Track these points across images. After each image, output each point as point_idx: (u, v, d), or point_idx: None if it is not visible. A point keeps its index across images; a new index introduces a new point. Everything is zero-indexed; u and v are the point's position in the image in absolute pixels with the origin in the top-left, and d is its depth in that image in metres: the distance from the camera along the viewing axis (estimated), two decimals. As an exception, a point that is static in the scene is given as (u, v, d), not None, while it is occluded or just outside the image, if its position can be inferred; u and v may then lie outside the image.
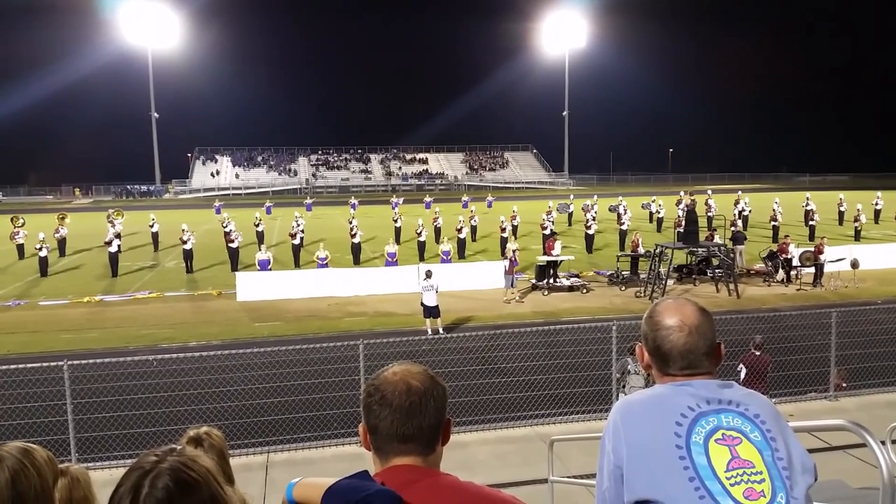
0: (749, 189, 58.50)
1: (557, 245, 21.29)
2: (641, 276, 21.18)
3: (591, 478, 2.34)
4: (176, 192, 77.56)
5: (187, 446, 1.98)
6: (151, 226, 31.66)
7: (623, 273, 21.51)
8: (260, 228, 30.34)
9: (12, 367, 9.04)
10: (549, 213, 30.72)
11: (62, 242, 29.62)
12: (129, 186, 79.19)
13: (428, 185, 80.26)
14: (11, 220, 30.57)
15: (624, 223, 29.95)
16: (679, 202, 36.07)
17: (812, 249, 21.30)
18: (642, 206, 40.20)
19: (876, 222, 35.86)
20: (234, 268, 24.09)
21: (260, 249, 22.96)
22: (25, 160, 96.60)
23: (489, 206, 46.56)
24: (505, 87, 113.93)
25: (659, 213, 36.31)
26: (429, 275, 15.98)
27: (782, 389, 10.14)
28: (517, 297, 19.60)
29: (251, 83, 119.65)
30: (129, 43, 78.28)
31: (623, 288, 20.69)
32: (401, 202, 43.17)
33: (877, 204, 37.24)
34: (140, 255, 29.48)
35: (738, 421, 1.71)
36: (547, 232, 27.38)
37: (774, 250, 22.25)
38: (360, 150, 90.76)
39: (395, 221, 32.01)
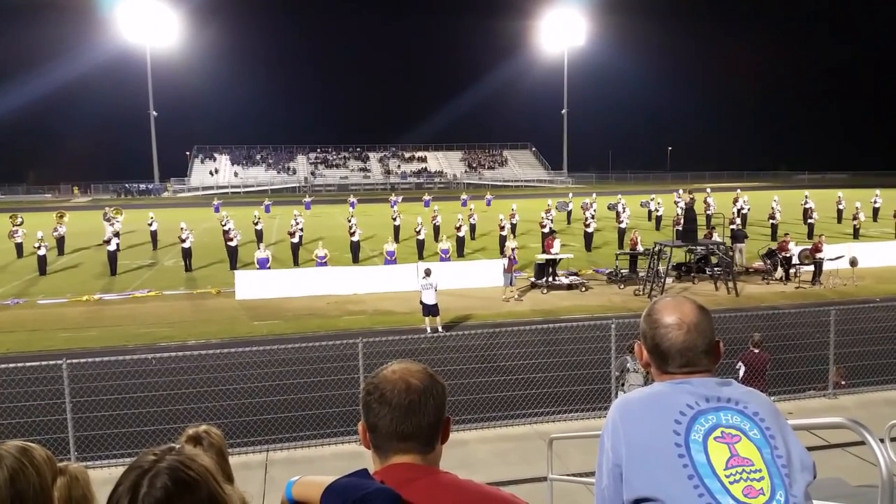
0: (748, 187, 58.52)
1: (556, 243, 21.29)
2: (640, 274, 21.19)
3: (591, 476, 2.34)
4: (175, 190, 77.53)
5: (186, 445, 1.98)
6: (150, 224, 31.64)
7: (622, 271, 21.52)
8: (259, 227, 30.34)
9: (11, 365, 9.05)
10: (547, 211, 30.73)
11: (61, 241, 29.60)
12: (127, 185, 79.20)
13: (427, 183, 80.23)
14: (10, 218, 30.57)
15: (623, 221, 29.96)
16: (677, 199, 36.08)
17: (811, 247, 21.32)
18: (641, 205, 40.21)
19: (874, 220, 35.89)
20: (233, 266, 24.08)
21: (259, 248, 22.94)
22: (24, 158, 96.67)
23: (488, 204, 46.54)
24: (504, 86, 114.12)
25: (658, 211, 36.32)
26: (428, 273, 15.98)
27: (781, 387, 10.14)
28: (516, 296, 19.60)
29: (250, 81, 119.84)
30: (128, 41, 78.25)
31: (622, 286, 20.69)
32: (400, 200, 43.15)
33: (875, 202, 37.26)
34: (139, 254, 29.47)
35: (738, 419, 1.71)
36: (546, 230, 27.39)
37: (773, 248, 22.27)
38: (358, 149, 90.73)
39: (394, 220, 32.00)
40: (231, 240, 25.02)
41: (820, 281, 20.74)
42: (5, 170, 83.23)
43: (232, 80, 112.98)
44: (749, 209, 36.19)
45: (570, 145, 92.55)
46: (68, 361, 8.35)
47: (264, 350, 10.30)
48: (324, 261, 22.29)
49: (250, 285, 20.21)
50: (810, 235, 28.50)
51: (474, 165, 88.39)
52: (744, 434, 1.69)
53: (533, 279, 21.03)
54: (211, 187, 74.65)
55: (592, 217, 29.84)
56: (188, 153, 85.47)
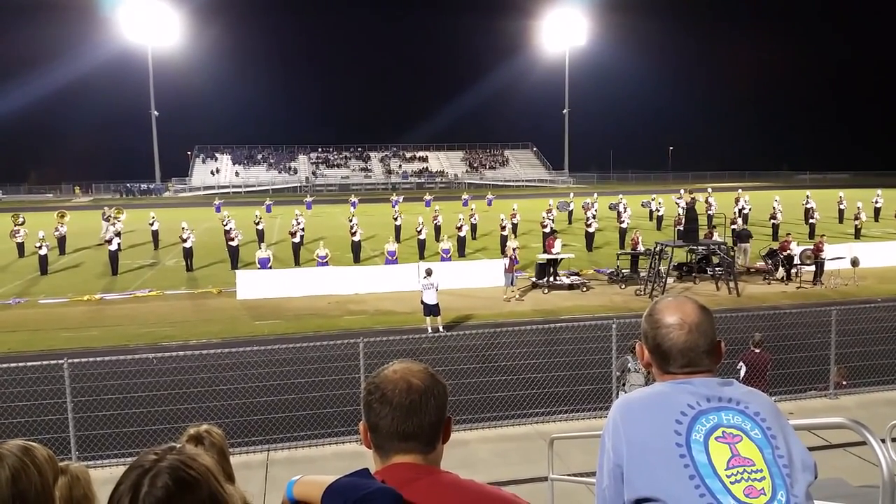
0: (749, 187, 58.48)
1: (557, 243, 21.29)
2: (641, 274, 21.18)
3: (592, 476, 2.34)
4: (176, 190, 77.57)
5: (187, 444, 1.98)
6: (151, 224, 31.65)
7: (623, 271, 21.51)
8: (260, 227, 30.35)
9: (12, 365, 9.07)
10: (549, 211, 30.71)
11: (62, 240, 29.62)
12: (129, 184, 79.20)
13: (428, 183, 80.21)
14: (12, 218, 30.60)
15: (624, 221, 29.95)
16: (679, 199, 36.05)
17: (812, 247, 21.31)
18: (642, 205, 40.19)
19: (876, 220, 35.87)
20: (234, 266, 24.10)
21: (260, 248, 22.96)
22: (26, 158, 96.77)
23: (489, 204, 46.54)
24: (505, 85, 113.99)
25: (659, 211, 36.30)
26: (429, 273, 15.98)
27: (782, 387, 10.14)
28: (517, 296, 19.60)
29: (251, 81, 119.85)
30: (130, 41, 78.30)
31: (623, 286, 20.69)
32: (401, 200, 43.17)
33: (877, 202, 37.24)
34: (140, 254, 29.49)
35: (739, 419, 1.71)
36: (547, 230, 27.38)
37: (775, 248, 22.26)
38: (360, 149, 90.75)
39: (395, 219, 31.99)
40: (232, 239, 25.04)
41: (821, 281, 20.73)
42: (7, 169, 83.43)
43: (233, 79, 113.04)
44: (750, 209, 36.15)
45: (572, 145, 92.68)
46: (69, 361, 8.36)
47: (265, 350, 10.30)
48: (325, 261, 22.30)
49: (251, 285, 20.23)
50: (812, 235, 28.47)
51: (475, 165, 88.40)
52: (745, 434, 1.69)
53: (534, 279, 21.03)
54: (212, 187, 74.69)
55: (594, 217, 29.82)
56: (189, 153, 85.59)
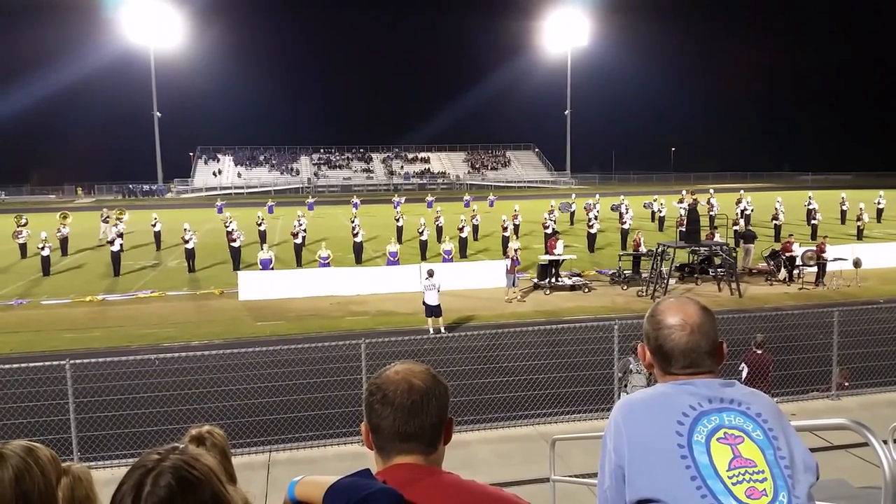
0: (751, 188, 58.37)
1: (559, 244, 21.29)
2: (643, 275, 21.17)
3: (593, 477, 2.34)
4: (178, 191, 77.64)
5: (189, 445, 1.98)
6: (153, 225, 31.69)
7: (625, 272, 21.50)
8: (262, 228, 30.37)
9: (15, 366, 9.07)
10: (550, 212, 30.70)
11: (64, 241, 29.66)
12: (131, 185, 79.25)
13: (430, 184, 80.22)
14: (14, 219, 30.64)
15: (626, 222, 29.93)
16: (681, 200, 36.01)
17: (814, 248, 21.28)
18: (644, 206, 40.17)
19: (878, 221, 35.82)
20: (236, 267, 24.13)
21: (262, 248, 22.99)
22: (28, 159, 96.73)
23: (491, 205, 46.53)
24: (507, 86, 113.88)
25: (661, 212, 36.27)
26: (430, 274, 15.98)
27: (784, 388, 10.13)
28: (519, 297, 19.59)
29: (253, 82, 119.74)
30: (132, 42, 78.33)
31: (625, 287, 20.68)
32: (403, 201, 43.13)
33: (879, 203, 37.17)
34: (142, 255, 29.51)
35: (741, 420, 1.71)
36: (549, 231, 27.37)
37: (777, 249, 22.23)
38: (362, 150, 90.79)
39: (397, 220, 32.00)
40: (234, 240, 25.06)
41: (823, 282, 20.70)
42: (9, 171, 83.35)
43: (235, 81, 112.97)
44: (752, 210, 36.06)
45: (573, 146, 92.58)
46: (72, 362, 8.37)
47: (267, 351, 10.31)
48: (327, 261, 22.31)
49: (253, 286, 20.24)
50: (814, 236, 28.42)
51: (477, 166, 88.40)
52: (747, 435, 1.69)
53: (536, 280, 21.02)
54: (214, 188, 74.75)
55: (595, 218, 29.81)
56: (192, 154, 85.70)
